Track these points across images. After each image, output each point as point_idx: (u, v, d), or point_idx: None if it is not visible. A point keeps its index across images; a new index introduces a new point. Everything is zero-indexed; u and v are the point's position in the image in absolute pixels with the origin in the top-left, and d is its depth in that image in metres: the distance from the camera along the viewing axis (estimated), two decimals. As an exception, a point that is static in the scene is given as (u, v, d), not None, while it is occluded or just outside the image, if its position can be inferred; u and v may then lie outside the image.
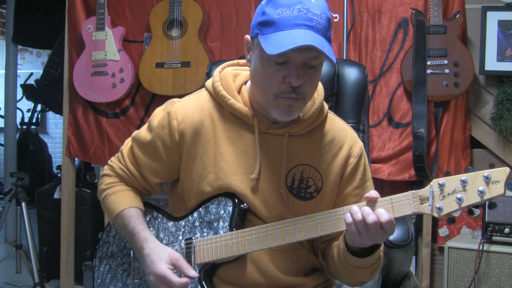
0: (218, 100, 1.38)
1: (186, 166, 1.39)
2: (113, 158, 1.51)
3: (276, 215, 1.33)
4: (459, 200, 1.11)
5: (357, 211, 1.18)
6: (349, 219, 1.18)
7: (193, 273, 1.31)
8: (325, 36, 1.21)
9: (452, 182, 1.13)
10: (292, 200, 1.35)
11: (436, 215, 1.15)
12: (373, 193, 1.20)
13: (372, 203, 1.20)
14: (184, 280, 1.29)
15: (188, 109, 1.39)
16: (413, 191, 1.18)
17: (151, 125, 1.42)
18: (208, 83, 1.42)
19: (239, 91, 1.39)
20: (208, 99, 1.40)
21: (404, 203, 1.17)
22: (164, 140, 1.39)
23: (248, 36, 1.31)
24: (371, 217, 1.15)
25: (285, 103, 1.26)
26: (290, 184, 1.35)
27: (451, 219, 1.20)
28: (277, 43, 1.18)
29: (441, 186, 1.14)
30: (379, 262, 1.33)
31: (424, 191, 1.16)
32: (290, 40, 1.16)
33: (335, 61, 1.22)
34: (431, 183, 1.15)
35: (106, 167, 1.51)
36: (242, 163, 1.35)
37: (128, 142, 1.48)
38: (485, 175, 1.09)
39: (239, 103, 1.35)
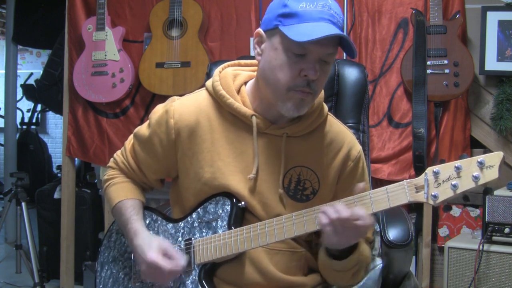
0: (217, 99, 1.38)
1: (183, 165, 1.39)
2: (118, 152, 1.54)
3: (273, 215, 1.33)
4: (454, 186, 1.12)
5: (332, 210, 1.18)
6: (324, 219, 1.19)
7: (183, 261, 1.33)
8: (342, 28, 1.25)
9: (446, 169, 1.14)
10: (289, 202, 1.35)
11: (431, 202, 1.15)
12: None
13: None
14: (174, 265, 1.32)
15: (186, 108, 1.39)
16: (408, 180, 1.18)
17: (150, 121, 1.44)
18: (208, 82, 1.43)
19: (238, 91, 1.39)
20: (207, 99, 1.41)
21: (400, 192, 1.17)
22: (161, 137, 1.40)
23: (260, 30, 1.31)
24: (344, 213, 1.16)
25: (298, 96, 1.26)
26: (287, 186, 1.35)
27: (447, 207, 1.21)
28: (306, 32, 1.19)
29: (436, 173, 1.14)
30: (361, 265, 1.34)
31: (419, 180, 1.16)
32: (320, 30, 1.19)
33: (355, 56, 1.26)
34: (426, 171, 1.16)
35: (111, 159, 1.55)
36: (240, 163, 1.35)
37: (131, 138, 1.51)
38: (479, 160, 1.10)
39: (238, 102, 1.35)
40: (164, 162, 1.43)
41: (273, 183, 1.35)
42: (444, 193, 1.13)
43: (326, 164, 1.37)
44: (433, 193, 1.14)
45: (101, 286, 1.52)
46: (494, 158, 1.09)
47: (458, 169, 1.12)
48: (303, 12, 1.21)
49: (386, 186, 1.19)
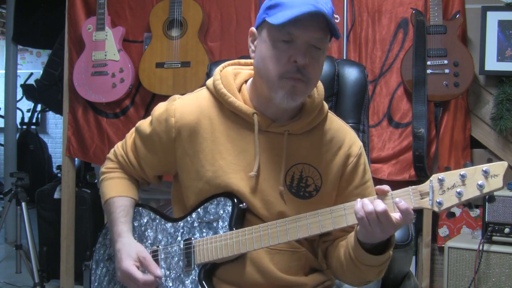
0: (218, 98, 1.39)
1: (184, 164, 1.39)
2: (118, 144, 1.55)
3: (275, 213, 1.33)
4: (459, 194, 1.13)
5: (367, 202, 1.18)
6: (360, 212, 1.18)
7: (159, 272, 1.35)
8: (331, 16, 1.25)
9: (451, 176, 1.14)
10: (291, 199, 1.35)
11: (436, 209, 1.16)
12: (385, 186, 1.20)
13: (382, 195, 1.20)
14: (148, 277, 1.33)
15: (187, 107, 1.40)
16: (413, 186, 1.19)
17: (152, 118, 1.45)
18: (209, 81, 1.43)
19: (239, 90, 1.39)
20: (208, 98, 1.41)
21: (405, 198, 1.18)
22: (160, 136, 1.41)
23: (253, 28, 1.34)
24: (381, 206, 1.15)
25: (290, 83, 1.27)
26: (289, 183, 1.35)
27: (450, 214, 1.21)
28: (284, 15, 1.22)
29: (441, 181, 1.15)
30: (388, 262, 1.33)
31: (424, 186, 1.17)
32: (298, 11, 1.20)
33: (340, 37, 1.27)
34: (431, 178, 1.17)
35: (111, 150, 1.56)
36: (241, 162, 1.35)
37: (133, 132, 1.51)
38: (483, 169, 1.11)
39: (239, 101, 1.36)
40: (163, 160, 1.44)
41: (274, 181, 1.35)
42: (449, 200, 1.14)
43: (327, 161, 1.38)
44: (438, 200, 1.15)
45: (96, 283, 1.52)
46: (498, 168, 1.11)
47: (463, 177, 1.13)
48: (287, 1, 1.24)
49: (391, 192, 1.19)
